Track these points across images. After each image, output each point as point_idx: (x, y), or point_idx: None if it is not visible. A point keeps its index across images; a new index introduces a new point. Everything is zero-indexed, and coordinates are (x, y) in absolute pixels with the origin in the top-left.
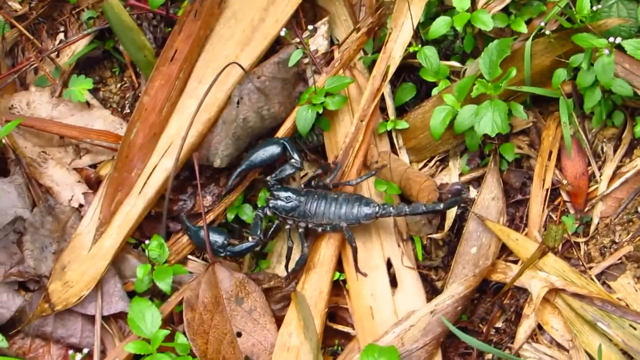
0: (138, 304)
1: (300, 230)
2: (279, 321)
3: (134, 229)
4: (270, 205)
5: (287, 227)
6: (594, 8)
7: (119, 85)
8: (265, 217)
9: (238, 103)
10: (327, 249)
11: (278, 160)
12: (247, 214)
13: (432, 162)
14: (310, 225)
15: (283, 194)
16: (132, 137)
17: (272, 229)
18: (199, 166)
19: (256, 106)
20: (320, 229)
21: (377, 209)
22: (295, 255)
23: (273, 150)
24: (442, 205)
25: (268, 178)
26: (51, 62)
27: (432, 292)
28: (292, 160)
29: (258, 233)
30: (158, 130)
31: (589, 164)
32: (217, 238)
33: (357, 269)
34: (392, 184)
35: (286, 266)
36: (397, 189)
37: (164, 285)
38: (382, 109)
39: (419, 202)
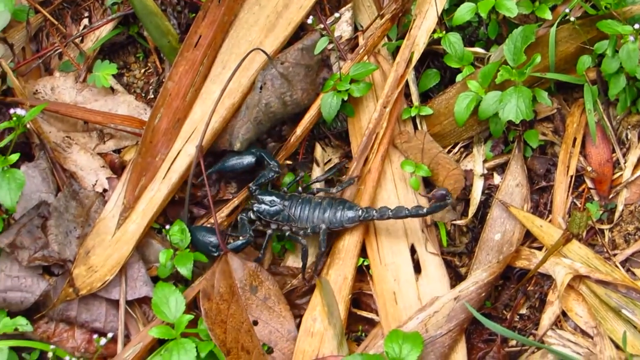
0: (162, 289)
1: (287, 234)
2: (302, 313)
3: (158, 214)
4: (254, 209)
5: (269, 231)
6: None
7: (143, 71)
8: (249, 220)
9: (261, 88)
10: (351, 235)
11: (253, 170)
12: None
13: (456, 148)
14: (294, 229)
15: (267, 198)
16: (156, 122)
17: (265, 241)
18: (222, 151)
19: (279, 92)
20: (301, 232)
21: (360, 212)
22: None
23: (248, 159)
24: (425, 210)
25: (250, 185)
26: (75, 47)
27: (455, 278)
28: (271, 165)
29: (248, 232)
30: (182, 116)
31: (614, 151)
32: (211, 238)
33: (318, 273)
34: (421, 165)
35: (303, 267)
36: (426, 170)
37: (184, 270)
38: (406, 95)
39: (402, 205)
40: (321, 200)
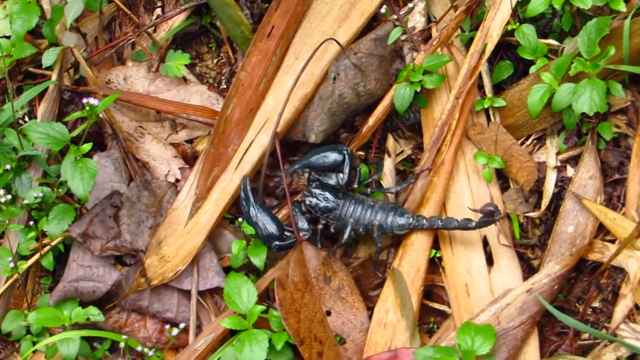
0: (234, 279)
1: (332, 231)
2: (373, 305)
3: (230, 205)
4: (307, 202)
5: (320, 226)
6: None
7: (215, 61)
8: (302, 212)
9: (334, 79)
10: None
11: (336, 169)
12: None
13: (529, 140)
14: (343, 229)
15: (321, 194)
16: (229, 112)
17: (318, 235)
18: (295, 142)
19: (352, 82)
20: (352, 234)
21: (411, 220)
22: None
23: (335, 157)
24: (474, 224)
25: (311, 174)
26: (148, 37)
27: (528, 270)
28: (340, 175)
29: (306, 227)
30: (255, 106)
31: None
32: (271, 228)
33: (376, 268)
34: (494, 157)
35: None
36: (500, 162)
37: (257, 261)
38: (479, 86)
39: (451, 217)
40: (373, 203)
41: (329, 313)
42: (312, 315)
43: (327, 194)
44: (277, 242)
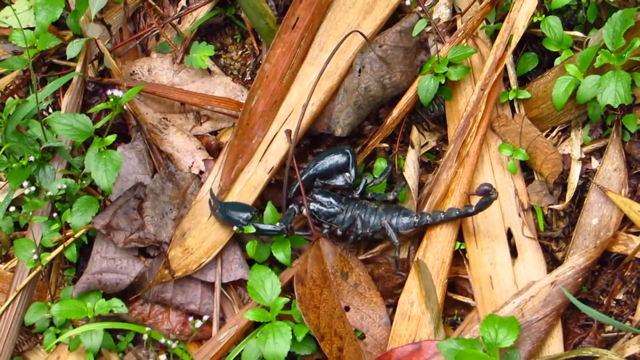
0: (258, 271)
1: (339, 233)
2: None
3: (255, 197)
4: (311, 207)
5: (325, 231)
6: None
7: (240, 53)
8: (300, 214)
9: (360, 72)
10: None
11: (342, 170)
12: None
13: (554, 132)
14: (347, 233)
15: (325, 199)
16: (253, 104)
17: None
18: (320, 134)
19: (378, 75)
20: (357, 238)
21: (415, 218)
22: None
23: (338, 159)
24: (474, 209)
25: (318, 179)
26: (173, 28)
27: (552, 263)
28: (347, 174)
29: (288, 222)
30: (279, 98)
31: None
32: (242, 213)
33: (397, 266)
34: (519, 149)
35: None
36: (524, 154)
37: (281, 256)
38: (504, 78)
39: (452, 208)
40: (377, 206)
41: (347, 309)
42: (332, 310)
43: (331, 199)
44: (251, 226)
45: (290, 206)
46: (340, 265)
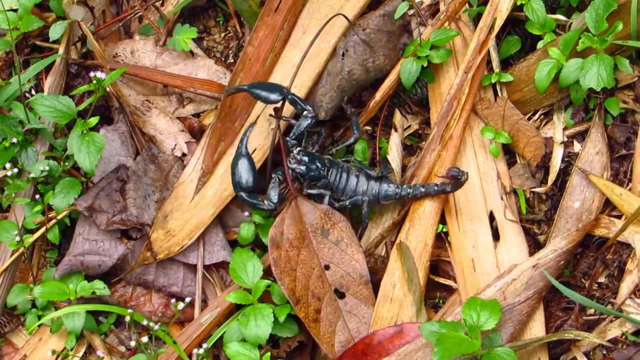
0: (240, 254)
1: (325, 200)
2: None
3: None
4: (293, 167)
5: (305, 193)
6: None
7: (222, 35)
8: (284, 181)
9: (343, 55)
10: (431, 201)
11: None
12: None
13: (537, 115)
14: (329, 199)
15: (308, 160)
16: None
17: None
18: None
19: (361, 58)
20: (337, 204)
21: (397, 189)
22: None
23: (274, 97)
24: (449, 187)
25: (287, 138)
26: (156, 10)
27: (534, 246)
28: (305, 112)
29: (275, 201)
30: (262, 81)
31: None
32: (245, 176)
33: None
34: (501, 132)
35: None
36: (507, 137)
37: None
38: (487, 61)
39: (431, 183)
40: (358, 172)
41: (327, 267)
42: (310, 271)
43: (316, 161)
44: (242, 193)
45: (273, 175)
46: (321, 223)
